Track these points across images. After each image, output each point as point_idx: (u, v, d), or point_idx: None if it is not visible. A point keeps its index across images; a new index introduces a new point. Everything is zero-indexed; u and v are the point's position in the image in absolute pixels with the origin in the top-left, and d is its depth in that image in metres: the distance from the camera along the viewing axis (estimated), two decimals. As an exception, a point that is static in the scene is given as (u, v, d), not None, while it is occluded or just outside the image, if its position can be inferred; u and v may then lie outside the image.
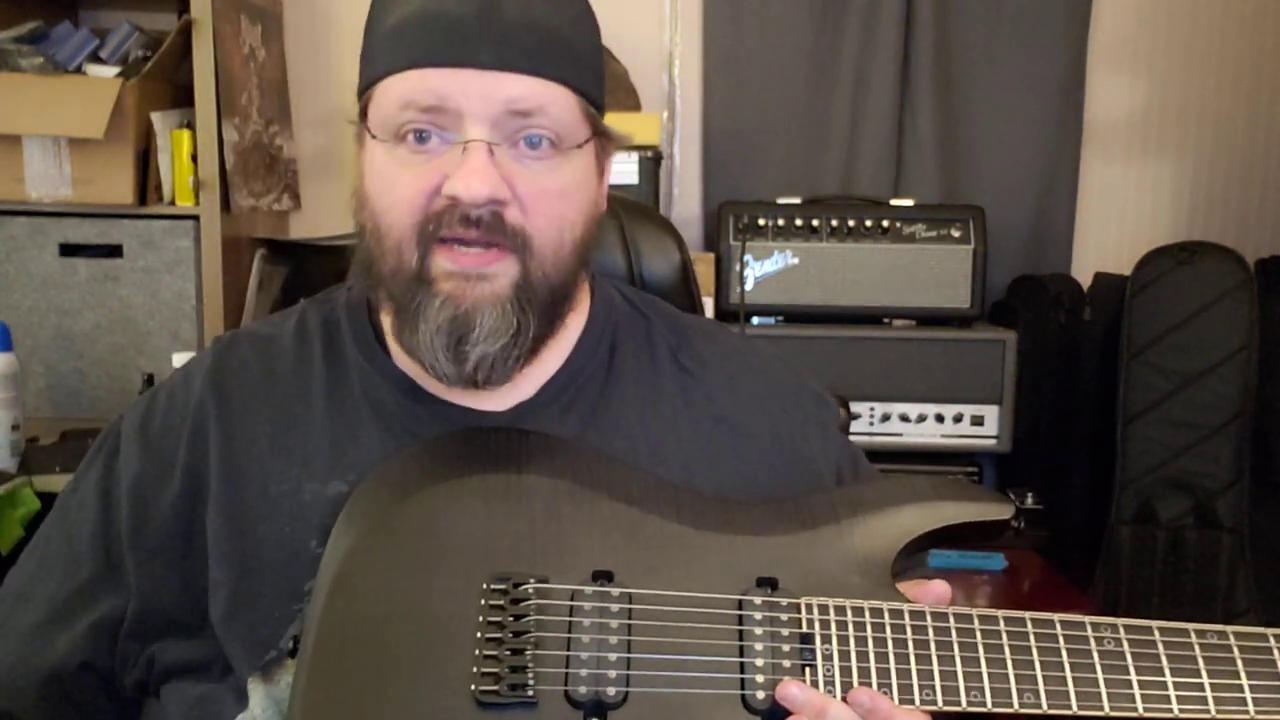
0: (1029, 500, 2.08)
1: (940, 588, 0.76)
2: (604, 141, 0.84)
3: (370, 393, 0.83)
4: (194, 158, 1.96)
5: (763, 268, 2.05)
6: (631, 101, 2.22)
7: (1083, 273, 2.36)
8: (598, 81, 0.83)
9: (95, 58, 2.00)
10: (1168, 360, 2.11)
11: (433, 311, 0.75)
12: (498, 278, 0.76)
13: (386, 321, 0.82)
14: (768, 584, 0.75)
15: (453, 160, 0.75)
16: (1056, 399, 2.22)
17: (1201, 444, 2.10)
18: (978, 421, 2.03)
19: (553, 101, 0.77)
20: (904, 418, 2.04)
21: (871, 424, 2.03)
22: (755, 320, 2.05)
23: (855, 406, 2.00)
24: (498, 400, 0.82)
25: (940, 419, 2.03)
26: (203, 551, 0.79)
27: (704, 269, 2.01)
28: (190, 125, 1.97)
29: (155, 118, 1.95)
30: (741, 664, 0.71)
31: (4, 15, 2.01)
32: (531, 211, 0.76)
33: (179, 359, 1.86)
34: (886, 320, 2.08)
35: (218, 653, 0.78)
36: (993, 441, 2.03)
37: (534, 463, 0.79)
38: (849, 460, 0.92)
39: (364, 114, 0.81)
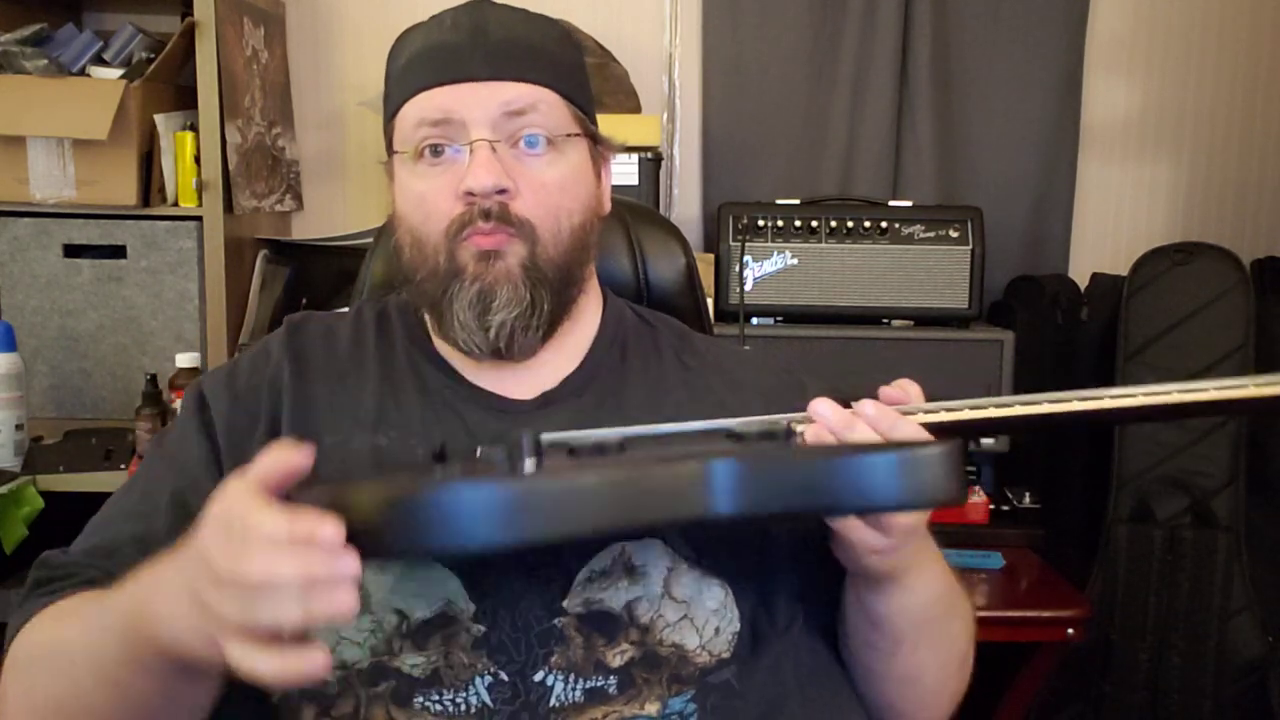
0: (1026, 499, 2.09)
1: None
2: (598, 147, 0.97)
3: (415, 368, 0.96)
4: (197, 159, 1.97)
5: (762, 268, 2.06)
6: (631, 103, 2.22)
7: (1080, 273, 2.37)
8: (583, 92, 0.96)
9: (99, 60, 2.01)
10: (1165, 360, 2.12)
11: (463, 292, 0.89)
12: (509, 256, 0.89)
13: (428, 321, 0.96)
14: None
15: (464, 165, 0.88)
16: (1054, 399, 2.22)
17: (1198, 443, 2.11)
18: (975, 421, 2.04)
19: (542, 100, 0.90)
20: (902, 417, 2.04)
21: (870, 423, 2.04)
22: (755, 321, 2.05)
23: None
24: (525, 390, 0.95)
25: (938, 419, 2.04)
26: None
27: (703, 270, 1.98)
28: (193, 127, 1.98)
29: (158, 119, 1.96)
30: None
31: (8, 17, 2.02)
32: (533, 202, 0.89)
33: (182, 359, 1.88)
34: (885, 320, 2.08)
35: None
36: (990, 441, 2.04)
37: None
38: None
39: (390, 148, 0.95)
